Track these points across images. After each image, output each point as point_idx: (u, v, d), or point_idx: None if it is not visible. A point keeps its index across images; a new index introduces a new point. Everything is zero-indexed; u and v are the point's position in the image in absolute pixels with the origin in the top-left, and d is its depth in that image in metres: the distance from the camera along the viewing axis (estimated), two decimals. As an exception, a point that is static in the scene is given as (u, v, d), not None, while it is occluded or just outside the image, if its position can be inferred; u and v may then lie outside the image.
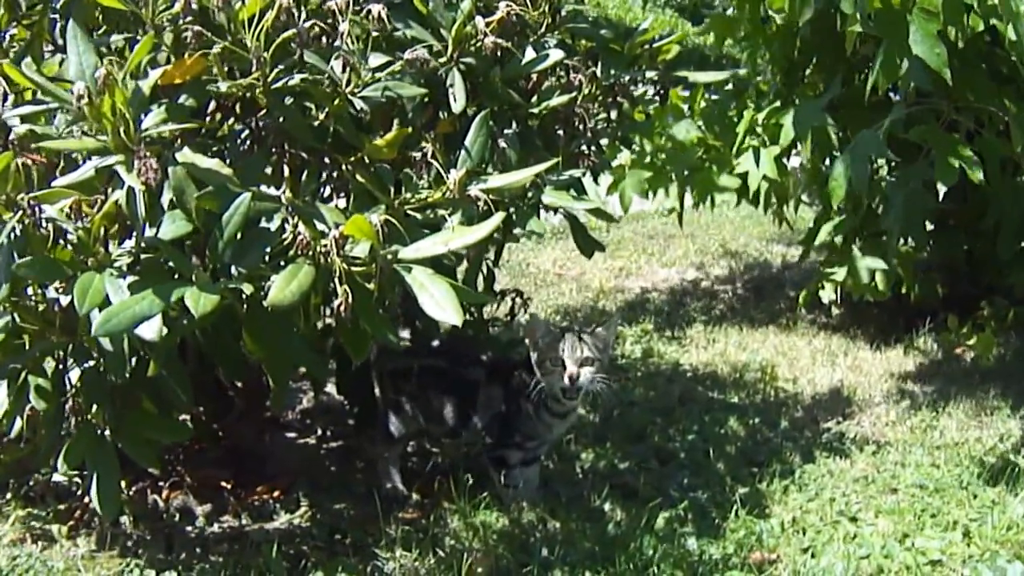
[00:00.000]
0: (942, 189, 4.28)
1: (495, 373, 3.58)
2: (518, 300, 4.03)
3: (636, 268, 7.08)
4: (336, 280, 2.41)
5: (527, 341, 3.46)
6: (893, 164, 5.06)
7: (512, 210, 2.98)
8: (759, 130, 5.41)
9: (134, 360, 2.80)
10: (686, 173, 5.60)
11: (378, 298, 2.51)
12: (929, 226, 5.19)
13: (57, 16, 3.05)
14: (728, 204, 5.90)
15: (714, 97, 5.81)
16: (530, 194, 3.05)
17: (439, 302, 2.37)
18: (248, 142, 3.01)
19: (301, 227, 2.45)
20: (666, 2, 19.46)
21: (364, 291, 2.46)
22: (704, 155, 5.57)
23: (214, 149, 2.87)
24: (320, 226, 2.53)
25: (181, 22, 2.62)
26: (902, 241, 5.02)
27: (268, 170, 2.88)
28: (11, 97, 2.70)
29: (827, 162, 5.20)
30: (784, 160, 5.36)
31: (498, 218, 2.52)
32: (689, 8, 17.22)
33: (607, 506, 3.60)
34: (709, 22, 5.75)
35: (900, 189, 4.53)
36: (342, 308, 2.39)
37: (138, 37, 2.85)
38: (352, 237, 2.44)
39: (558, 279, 6.75)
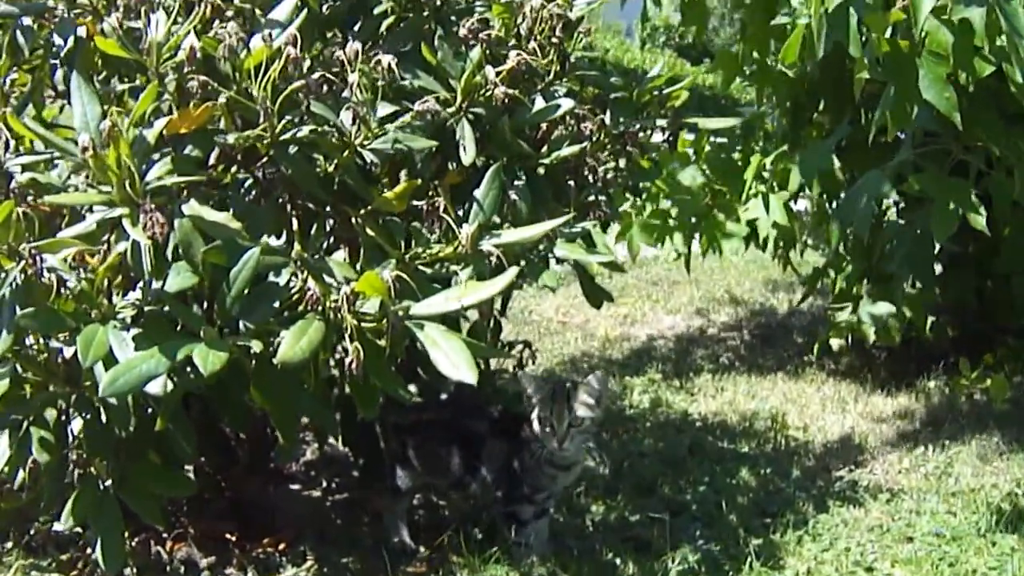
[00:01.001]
0: (939, 241, 4.26)
1: (500, 425, 3.53)
2: (526, 351, 3.98)
3: (641, 315, 7.04)
4: (347, 337, 2.37)
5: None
6: (901, 206, 5.03)
7: (523, 263, 2.93)
8: (766, 175, 5.39)
9: (138, 412, 2.76)
10: (693, 220, 5.57)
11: (389, 354, 2.47)
12: (938, 268, 5.15)
13: (58, 62, 3.02)
14: (734, 249, 5.86)
15: (719, 141, 5.80)
16: (541, 247, 3.01)
17: (452, 360, 2.33)
18: (252, 192, 2.97)
19: (310, 282, 2.42)
20: (664, 43, 19.56)
21: (375, 347, 2.42)
22: (711, 201, 5.55)
23: (217, 197, 2.83)
24: (329, 280, 2.50)
25: (185, 71, 2.58)
26: (910, 284, 4.98)
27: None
28: (12, 143, 2.66)
29: (834, 204, 5.19)
30: (792, 203, 5.34)
31: (511, 273, 2.48)
32: (691, 49, 17.27)
33: (619, 560, 3.53)
34: (716, 60, 5.74)
35: (907, 232, 4.49)
36: (353, 365, 2.34)
37: (138, 82, 2.84)
38: (363, 293, 2.40)
39: (562, 327, 6.71)
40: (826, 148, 4.80)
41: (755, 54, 5.26)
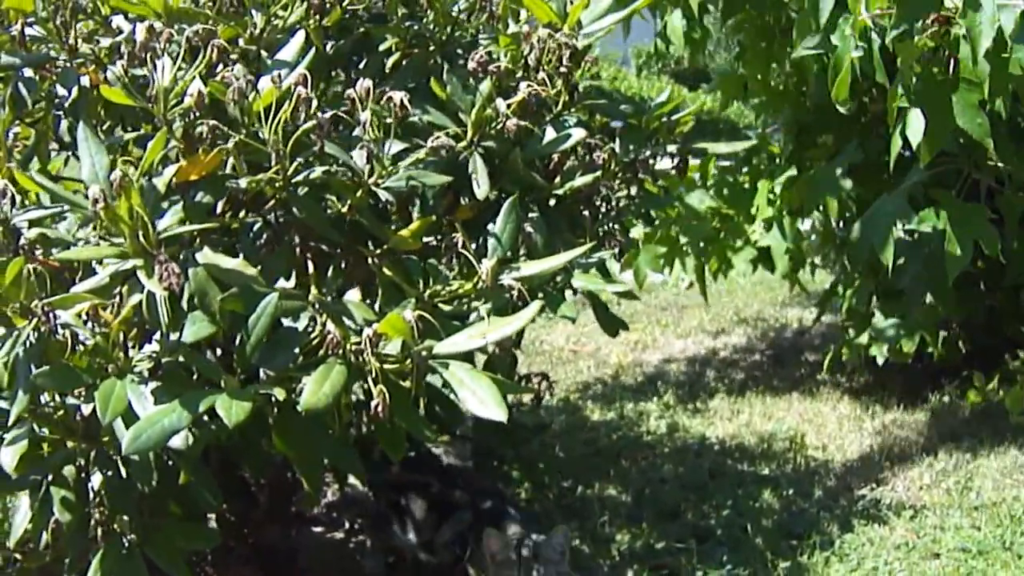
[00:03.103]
0: (951, 274, 4.20)
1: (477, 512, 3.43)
2: (543, 384, 3.91)
3: (652, 340, 6.98)
4: (371, 381, 2.29)
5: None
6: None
7: (541, 295, 2.86)
8: (772, 196, 5.35)
9: (159, 464, 2.67)
10: (702, 244, 5.53)
11: (413, 395, 2.39)
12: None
13: (61, 113, 2.94)
14: (742, 272, 5.82)
15: (724, 164, 5.76)
16: (558, 278, 2.93)
17: (481, 398, 2.24)
18: (262, 235, 2.90)
19: (330, 325, 2.33)
20: (660, 69, 19.58)
21: (400, 389, 2.34)
22: (719, 225, 5.50)
23: (226, 241, 2.75)
24: (348, 322, 2.42)
25: (193, 116, 2.50)
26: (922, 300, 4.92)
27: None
28: (18, 199, 2.58)
29: (841, 224, 5.13)
30: (800, 224, 5.30)
31: (534, 308, 2.40)
32: (687, 74, 17.29)
33: (648, 589, 3.47)
34: (716, 81, 5.70)
35: (917, 249, 4.42)
36: (379, 409, 2.26)
37: (143, 130, 2.77)
38: (386, 335, 2.32)
39: (574, 356, 6.64)
40: (834, 172, 4.75)
41: (758, 76, 5.24)
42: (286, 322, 2.45)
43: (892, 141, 3.68)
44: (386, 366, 2.34)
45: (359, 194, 2.58)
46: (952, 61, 3.15)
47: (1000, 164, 4.10)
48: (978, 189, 4.35)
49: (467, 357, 2.42)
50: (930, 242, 4.30)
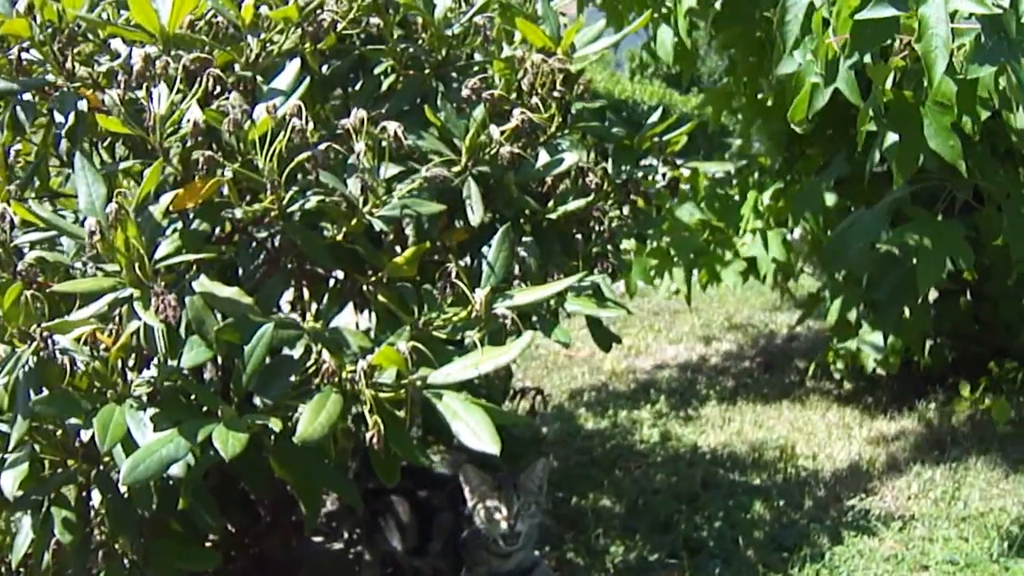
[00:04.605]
0: (922, 291, 4.20)
1: (451, 498, 3.39)
2: (538, 398, 3.88)
3: (644, 347, 6.97)
4: (367, 411, 2.26)
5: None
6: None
7: (535, 319, 2.83)
8: (761, 208, 5.34)
9: (158, 485, 2.64)
10: (692, 256, 5.51)
11: (408, 423, 2.36)
12: (933, 293, 5.06)
13: (62, 132, 2.91)
14: (732, 283, 5.81)
15: (715, 176, 5.75)
16: (552, 302, 2.90)
17: (475, 431, 2.20)
18: (258, 256, 2.86)
19: (325, 355, 2.30)
20: (653, 73, 19.53)
21: (394, 418, 2.30)
22: (708, 237, 5.49)
23: (224, 260, 2.72)
24: (344, 349, 2.39)
25: (189, 144, 2.46)
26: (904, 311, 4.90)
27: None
28: (18, 219, 2.55)
29: (828, 233, 5.12)
30: (789, 234, 5.29)
31: (527, 339, 2.37)
32: (679, 79, 17.22)
33: (642, 603, 3.44)
34: (706, 97, 5.69)
35: (896, 261, 4.40)
36: (374, 440, 2.23)
37: (139, 152, 2.74)
38: (380, 365, 2.29)
39: (568, 361, 6.62)
40: (820, 186, 4.74)
41: (744, 89, 5.22)
42: (283, 351, 2.42)
43: (868, 159, 3.67)
44: (381, 395, 2.31)
45: (354, 222, 2.55)
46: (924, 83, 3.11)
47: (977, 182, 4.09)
48: (959, 204, 4.33)
49: (461, 386, 2.38)
50: (909, 255, 4.27)
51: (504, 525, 3.15)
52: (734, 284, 5.72)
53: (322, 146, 2.43)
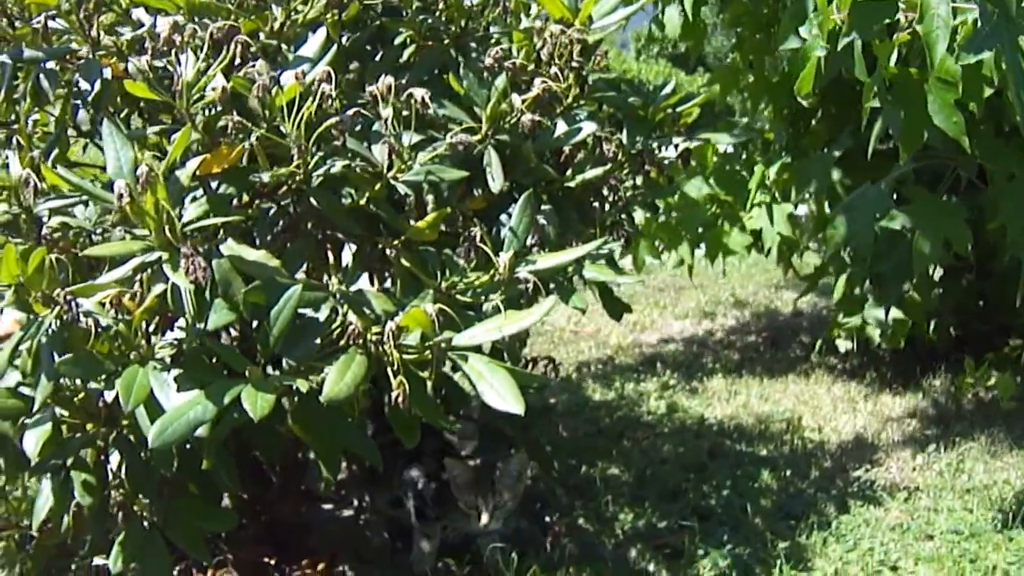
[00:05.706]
0: (917, 269, 4.24)
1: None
2: (549, 366, 3.89)
3: (650, 322, 6.98)
4: (391, 372, 2.28)
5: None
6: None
7: (552, 286, 2.85)
8: (768, 183, 5.34)
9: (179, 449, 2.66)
10: (700, 230, 5.52)
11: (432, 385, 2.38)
12: (939, 270, 5.08)
13: (80, 103, 2.91)
14: (738, 257, 5.83)
15: (724, 151, 5.75)
16: (569, 269, 2.92)
17: (499, 392, 2.22)
18: (279, 221, 2.88)
19: (352, 316, 2.32)
20: (659, 52, 19.52)
21: (418, 380, 2.33)
22: (716, 211, 5.50)
23: (243, 227, 2.73)
24: (368, 312, 2.41)
25: (216, 110, 2.48)
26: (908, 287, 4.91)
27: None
28: (40, 185, 2.56)
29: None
30: (795, 209, 5.30)
31: (550, 302, 2.39)
32: (685, 58, 17.20)
33: (652, 567, 3.46)
34: (714, 75, 5.69)
35: (900, 237, 4.41)
36: (400, 399, 2.25)
37: (162, 119, 2.75)
38: (407, 327, 2.30)
39: (575, 336, 6.64)
40: (825, 161, 4.74)
41: (751, 66, 5.22)
42: (307, 312, 2.43)
43: (871, 136, 3.68)
44: (406, 356, 2.33)
45: (378, 187, 2.56)
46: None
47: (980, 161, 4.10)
48: (964, 184, 4.35)
49: (481, 348, 2.40)
50: (909, 234, 4.29)
51: (479, 522, 3.23)
52: (739, 258, 5.74)
53: (350, 112, 2.44)
